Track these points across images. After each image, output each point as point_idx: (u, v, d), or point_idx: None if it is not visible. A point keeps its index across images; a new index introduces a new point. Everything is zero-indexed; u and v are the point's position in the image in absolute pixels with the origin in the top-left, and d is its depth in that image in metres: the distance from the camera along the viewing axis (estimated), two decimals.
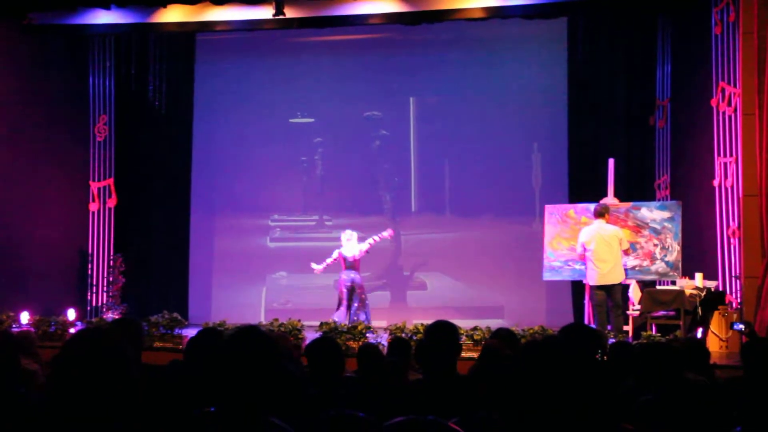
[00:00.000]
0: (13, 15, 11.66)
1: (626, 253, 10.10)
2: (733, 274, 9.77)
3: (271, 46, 13.35)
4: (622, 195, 11.12)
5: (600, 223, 10.03)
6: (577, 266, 10.46)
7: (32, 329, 9.63)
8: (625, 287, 10.56)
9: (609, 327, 9.73)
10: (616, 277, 9.93)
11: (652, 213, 10.59)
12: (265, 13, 11.31)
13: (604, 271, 9.89)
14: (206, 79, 13.68)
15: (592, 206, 10.70)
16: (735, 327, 9.01)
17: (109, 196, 13.30)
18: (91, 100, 13.24)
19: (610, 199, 10.87)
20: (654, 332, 9.68)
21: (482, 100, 12.99)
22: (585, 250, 9.96)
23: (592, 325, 9.57)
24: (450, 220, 13.35)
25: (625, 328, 10.25)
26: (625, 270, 10.29)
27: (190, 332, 9.03)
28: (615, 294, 9.95)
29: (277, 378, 2.91)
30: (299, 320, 10.19)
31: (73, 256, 12.98)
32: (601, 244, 9.91)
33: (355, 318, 10.64)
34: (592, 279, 9.98)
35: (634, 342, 8.86)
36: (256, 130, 13.63)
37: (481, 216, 13.11)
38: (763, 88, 9.32)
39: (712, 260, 10.10)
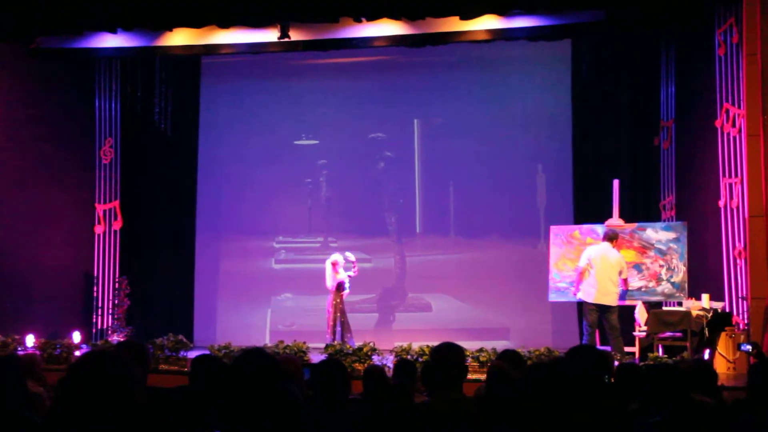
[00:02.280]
0: (21, 39, 11.75)
1: (624, 282, 10.17)
2: (740, 295, 9.73)
3: (276, 68, 13.41)
4: (627, 216, 11.12)
5: (607, 246, 10.12)
6: (573, 289, 10.46)
7: (38, 352, 9.62)
8: (630, 308, 10.55)
9: (608, 348, 9.72)
10: (610, 300, 10.04)
11: (657, 234, 10.58)
12: (271, 35, 11.38)
13: (602, 290, 9.99)
14: (212, 101, 13.74)
15: (598, 227, 10.72)
16: (742, 348, 8.96)
17: (115, 219, 13.32)
18: (97, 123, 13.29)
19: (615, 220, 10.87)
20: (661, 354, 9.64)
21: (486, 121, 13.00)
22: (591, 266, 9.99)
23: (601, 347, 9.56)
24: (455, 242, 13.33)
25: (632, 349, 10.23)
26: (629, 293, 10.38)
27: (196, 355, 9.01)
28: (610, 316, 10.01)
29: (282, 400, 2.90)
30: (304, 342, 10.18)
31: (78, 278, 12.99)
32: (605, 266, 9.99)
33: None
34: (590, 295, 10.06)
35: (641, 363, 8.83)
36: (261, 152, 13.67)
37: (486, 237, 13.10)
38: (767, 109, 9.33)
39: (719, 281, 10.07)
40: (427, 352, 9.09)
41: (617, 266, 10.05)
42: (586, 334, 10.07)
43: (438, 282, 13.24)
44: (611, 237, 10.20)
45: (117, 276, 13.12)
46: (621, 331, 10.19)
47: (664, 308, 10.45)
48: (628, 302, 10.65)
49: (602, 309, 10.03)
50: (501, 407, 4.03)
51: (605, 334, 10.23)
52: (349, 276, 11.35)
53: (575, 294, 10.34)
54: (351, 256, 11.48)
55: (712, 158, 10.26)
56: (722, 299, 9.93)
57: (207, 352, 9.42)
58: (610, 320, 9.99)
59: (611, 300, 10.03)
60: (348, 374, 4.54)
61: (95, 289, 13.07)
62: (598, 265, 10.00)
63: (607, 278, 10.00)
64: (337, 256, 11.38)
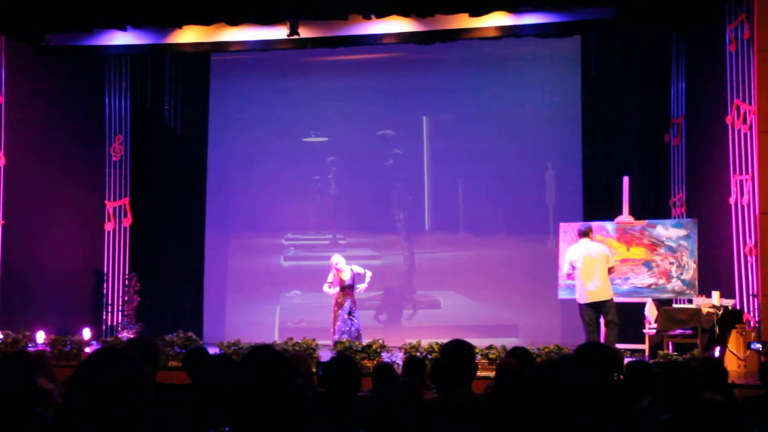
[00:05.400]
0: (31, 37, 11.78)
1: (611, 270, 9.96)
2: (751, 293, 9.69)
3: (285, 65, 13.42)
4: (637, 213, 11.09)
5: (586, 242, 10.01)
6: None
7: (48, 348, 9.66)
8: (640, 306, 10.52)
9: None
10: (604, 295, 9.87)
11: (667, 231, 10.55)
12: (280, 33, 11.38)
13: (591, 289, 9.85)
14: (221, 98, 13.77)
15: (608, 224, 10.70)
16: (752, 347, 8.93)
17: (125, 216, 13.37)
18: (107, 120, 13.34)
19: (625, 217, 10.84)
20: (671, 351, 9.61)
21: (496, 118, 12.99)
22: (573, 268, 9.94)
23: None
24: (464, 239, 13.32)
25: (642, 346, 10.20)
26: (639, 290, 10.34)
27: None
28: (607, 311, 9.88)
29: (291, 397, 2.90)
30: (313, 339, 10.18)
31: (88, 275, 13.04)
32: (588, 263, 9.87)
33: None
34: (582, 297, 9.95)
35: (651, 361, 8.80)
36: (270, 150, 13.69)
37: (495, 234, 13.09)
38: None
39: (729, 278, 10.03)
40: (437, 350, 9.09)
41: (602, 258, 9.87)
42: (587, 332, 9.96)
43: (447, 279, 13.23)
44: (585, 233, 10.07)
45: (127, 273, 13.17)
46: (629, 329, 10.15)
47: (675, 305, 10.42)
48: (637, 299, 10.63)
49: (597, 306, 9.92)
50: (510, 404, 4.02)
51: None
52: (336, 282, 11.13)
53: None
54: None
55: (723, 155, 10.21)
56: (733, 296, 9.89)
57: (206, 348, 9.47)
58: (608, 315, 9.84)
59: (602, 295, 9.84)
60: (359, 371, 4.55)
61: (105, 285, 13.13)
62: (581, 265, 9.87)
63: (593, 275, 9.83)
64: (336, 257, 11.22)
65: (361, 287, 11.09)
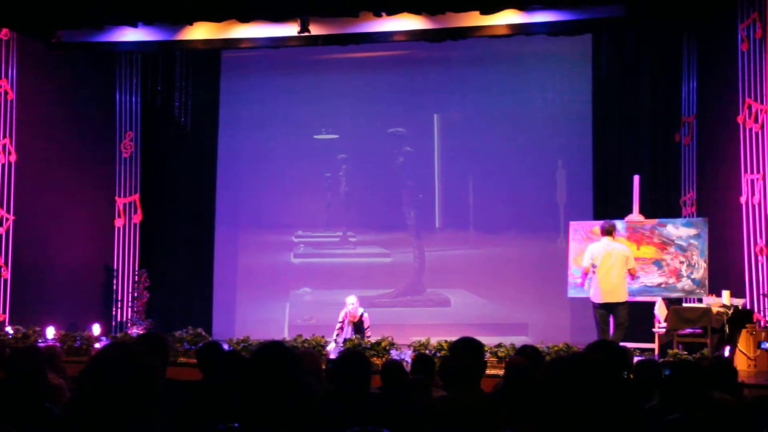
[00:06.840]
0: (43, 33, 11.83)
1: (631, 272, 9.87)
2: (761, 292, 9.66)
3: (295, 62, 13.43)
4: (647, 212, 11.05)
5: (607, 241, 9.89)
6: (579, 282, 10.34)
7: (58, 344, 9.70)
8: (650, 305, 10.49)
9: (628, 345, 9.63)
10: (619, 296, 9.77)
11: (678, 230, 10.51)
12: (290, 30, 11.39)
13: (607, 289, 9.74)
14: (231, 95, 13.79)
15: (618, 223, 10.63)
16: (763, 346, 8.90)
17: (135, 212, 13.42)
18: (117, 117, 13.39)
19: (635, 216, 10.80)
20: (680, 350, 9.57)
21: (506, 116, 12.97)
22: (594, 266, 9.87)
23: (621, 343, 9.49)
24: (474, 237, 13.30)
25: (651, 345, 10.17)
26: (648, 288, 10.29)
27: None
28: (618, 312, 9.76)
29: (301, 394, 2.91)
30: (323, 336, 10.19)
31: (98, 271, 13.09)
32: (606, 262, 9.76)
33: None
34: (596, 297, 9.85)
35: (660, 360, 8.78)
36: (280, 147, 13.70)
37: (505, 232, 13.06)
38: None
39: (740, 278, 9.99)
40: (446, 347, 9.08)
41: (621, 258, 9.76)
42: (599, 331, 9.91)
43: (457, 277, 13.22)
44: (608, 230, 9.91)
45: (136, 269, 13.21)
46: (638, 328, 10.10)
47: (684, 305, 10.39)
48: (647, 298, 10.60)
49: (610, 307, 9.82)
50: (519, 402, 4.02)
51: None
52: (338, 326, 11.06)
53: (583, 285, 10.19)
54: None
55: (734, 154, 10.18)
56: (743, 296, 9.84)
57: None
58: (619, 317, 9.76)
59: (618, 297, 9.75)
60: (369, 367, 4.54)
61: (115, 281, 13.17)
62: (600, 263, 9.78)
63: (611, 275, 9.73)
64: (351, 299, 11.11)
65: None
